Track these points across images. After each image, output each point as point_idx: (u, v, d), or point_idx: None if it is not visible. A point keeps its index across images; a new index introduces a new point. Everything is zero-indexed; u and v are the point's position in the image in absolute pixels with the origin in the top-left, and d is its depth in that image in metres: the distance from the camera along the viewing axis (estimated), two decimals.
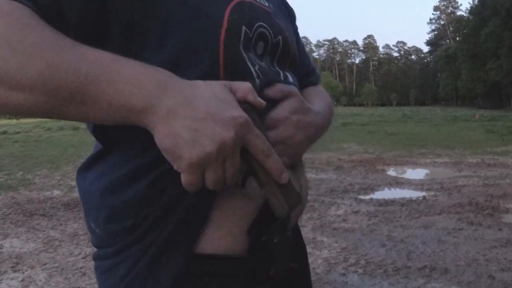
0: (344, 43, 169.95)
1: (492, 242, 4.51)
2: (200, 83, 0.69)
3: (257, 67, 0.83)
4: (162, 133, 0.64)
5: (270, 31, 0.88)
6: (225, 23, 0.78)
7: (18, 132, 24.11)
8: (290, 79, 0.93)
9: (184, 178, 0.66)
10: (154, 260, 0.78)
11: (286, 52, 0.94)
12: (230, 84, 0.71)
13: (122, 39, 0.74)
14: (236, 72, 0.78)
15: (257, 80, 0.81)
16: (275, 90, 0.84)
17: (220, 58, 0.77)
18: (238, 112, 0.67)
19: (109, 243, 0.81)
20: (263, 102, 0.73)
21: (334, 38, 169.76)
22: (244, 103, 0.70)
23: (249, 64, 0.81)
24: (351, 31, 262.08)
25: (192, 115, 0.64)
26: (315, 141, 0.92)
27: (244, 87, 0.71)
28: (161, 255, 0.78)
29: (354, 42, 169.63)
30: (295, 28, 1.12)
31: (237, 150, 0.67)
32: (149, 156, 0.76)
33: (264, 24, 0.86)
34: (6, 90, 0.63)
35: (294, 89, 0.87)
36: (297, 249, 1.02)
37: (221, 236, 0.80)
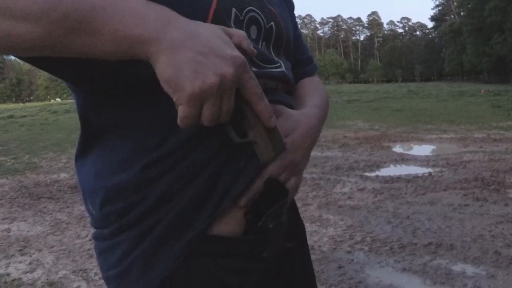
0: (348, 20, 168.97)
1: (498, 217, 4.50)
2: (200, 22, 0.69)
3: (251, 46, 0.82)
4: (165, 64, 0.64)
5: (262, 16, 0.88)
6: (214, 4, 0.78)
7: (24, 116, 24.27)
8: (284, 67, 0.93)
9: (182, 111, 0.65)
10: (154, 247, 0.78)
11: (280, 38, 0.94)
12: (227, 29, 0.72)
13: None
14: None
15: None
16: None
17: None
18: (237, 53, 0.68)
19: (103, 225, 0.83)
20: (255, 51, 0.74)
21: (338, 15, 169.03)
22: (238, 48, 0.71)
23: None
24: (355, 8, 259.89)
25: (196, 48, 0.64)
26: (314, 144, 0.93)
27: (239, 33, 0.73)
28: (161, 243, 0.78)
29: (359, 19, 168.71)
30: (293, 17, 1.11)
31: (234, 87, 0.68)
32: (142, 142, 0.77)
33: (254, 9, 0.86)
34: (11, 21, 0.61)
35: (278, 108, 0.87)
36: (294, 228, 1.01)
37: (221, 219, 0.80)
